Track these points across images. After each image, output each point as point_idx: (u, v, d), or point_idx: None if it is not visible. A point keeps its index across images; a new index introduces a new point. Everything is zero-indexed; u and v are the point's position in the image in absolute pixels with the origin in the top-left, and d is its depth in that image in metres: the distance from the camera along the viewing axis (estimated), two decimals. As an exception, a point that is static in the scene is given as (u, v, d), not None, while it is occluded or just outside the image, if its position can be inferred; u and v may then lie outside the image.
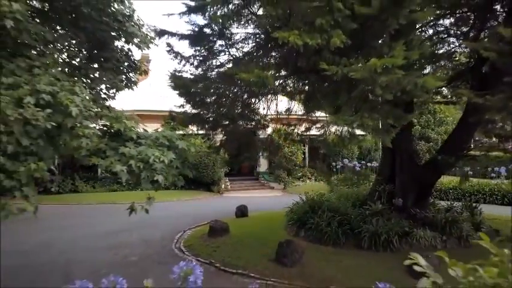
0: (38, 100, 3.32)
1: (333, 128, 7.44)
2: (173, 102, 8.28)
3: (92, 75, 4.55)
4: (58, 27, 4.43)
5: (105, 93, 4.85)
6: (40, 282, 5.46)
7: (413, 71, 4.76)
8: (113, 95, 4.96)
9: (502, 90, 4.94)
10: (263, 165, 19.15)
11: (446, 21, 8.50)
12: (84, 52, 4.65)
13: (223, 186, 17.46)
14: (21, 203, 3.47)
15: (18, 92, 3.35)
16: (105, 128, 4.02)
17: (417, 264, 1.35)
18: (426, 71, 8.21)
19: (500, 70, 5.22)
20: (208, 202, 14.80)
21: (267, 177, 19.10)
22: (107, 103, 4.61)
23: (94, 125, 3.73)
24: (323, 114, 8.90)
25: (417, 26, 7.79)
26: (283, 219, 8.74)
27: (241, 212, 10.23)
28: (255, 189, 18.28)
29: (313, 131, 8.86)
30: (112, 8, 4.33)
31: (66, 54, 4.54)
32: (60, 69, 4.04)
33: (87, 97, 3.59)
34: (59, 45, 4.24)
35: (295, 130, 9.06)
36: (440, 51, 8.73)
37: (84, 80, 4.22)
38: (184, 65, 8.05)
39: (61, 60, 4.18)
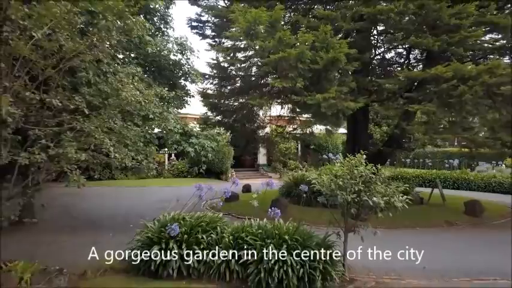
0: (154, 117, 6.95)
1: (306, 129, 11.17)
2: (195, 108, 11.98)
3: (169, 100, 8.23)
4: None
5: (175, 110, 8.54)
6: (131, 220, 9.15)
7: (349, 96, 8.41)
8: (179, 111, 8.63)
9: (396, 107, 8.60)
10: (262, 159, 22.91)
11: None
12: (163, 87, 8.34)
13: (229, 175, 21.19)
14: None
15: (142, 113, 6.98)
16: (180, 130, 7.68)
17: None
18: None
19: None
20: (219, 186, 18.41)
21: (266, 168, 22.85)
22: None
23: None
24: (305, 115, 12.63)
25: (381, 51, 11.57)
26: (278, 193, 12.39)
27: (247, 189, 13.92)
28: (256, 178, 21.96)
29: (298, 131, 12.57)
30: (183, 67, 7.99)
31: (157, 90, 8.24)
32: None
33: (173, 113, 7.27)
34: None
35: (285, 129, 12.77)
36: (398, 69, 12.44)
37: (167, 104, 7.89)
38: (206, 84, 11.78)
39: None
